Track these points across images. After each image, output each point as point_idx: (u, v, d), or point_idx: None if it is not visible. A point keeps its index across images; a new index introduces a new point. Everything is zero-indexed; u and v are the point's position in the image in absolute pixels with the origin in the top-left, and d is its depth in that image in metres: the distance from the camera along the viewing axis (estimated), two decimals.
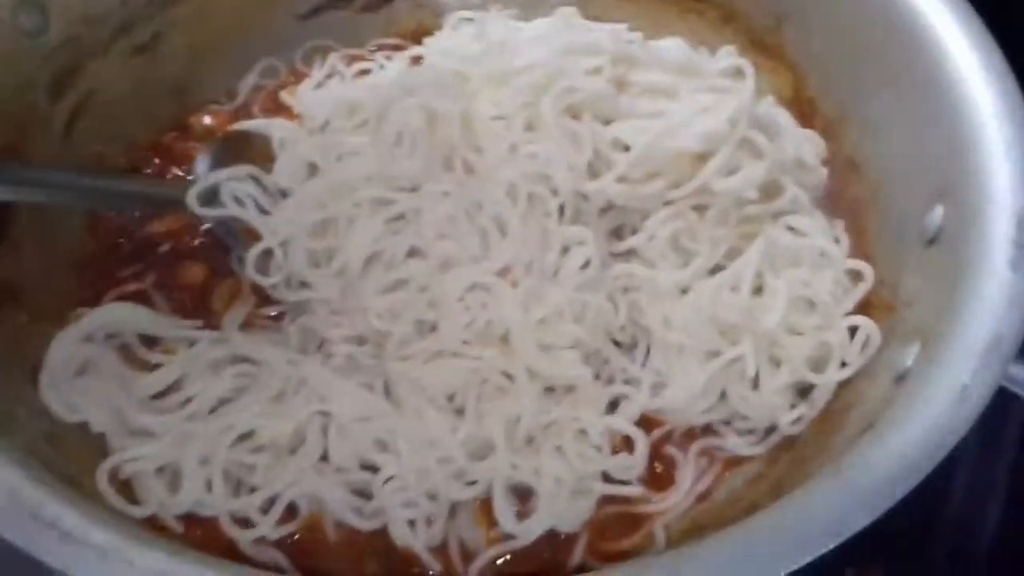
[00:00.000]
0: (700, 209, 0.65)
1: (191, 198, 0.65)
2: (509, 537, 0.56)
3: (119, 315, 0.62)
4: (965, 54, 0.61)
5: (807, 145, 0.71)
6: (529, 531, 0.56)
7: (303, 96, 0.77)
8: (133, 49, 0.74)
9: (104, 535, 0.40)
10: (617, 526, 0.58)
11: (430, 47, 0.77)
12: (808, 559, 0.40)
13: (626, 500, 0.58)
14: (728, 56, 0.74)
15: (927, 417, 0.46)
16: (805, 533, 0.41)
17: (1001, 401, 0.49)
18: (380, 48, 0.83)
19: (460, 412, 0.58)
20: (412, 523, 0.56)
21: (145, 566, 0.39)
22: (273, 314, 0.66)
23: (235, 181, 0.67)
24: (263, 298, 0.66)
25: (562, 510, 0.56)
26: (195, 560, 0.41)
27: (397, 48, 0.82)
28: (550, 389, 0.59)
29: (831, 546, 0.40)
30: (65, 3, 0.67)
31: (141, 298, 0.66)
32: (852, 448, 0.47)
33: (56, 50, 0.68)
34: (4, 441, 0.46)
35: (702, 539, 0.42)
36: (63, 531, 0.40)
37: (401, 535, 0.56)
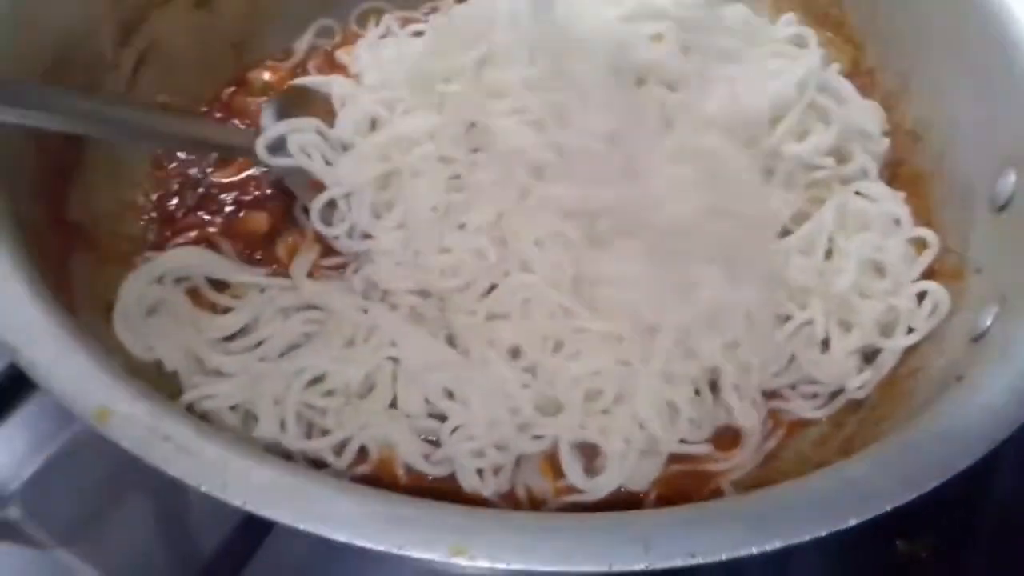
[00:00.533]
0: (767, 173, 0.65)
1: (260, 146, 0.65)
2: (576, 490, 0.56)
3: (189, 258, 0.62)
4: None
5: (869, 115, 0.71)
6: (598, 488, 0.56)
7: (360, 54, 0.77)
8: (195, 2, 0.74)
9: (216, 449, 0.40)
10: (686, 482, 0.58)
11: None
12: (912, 496, 0.40)
13: (694, 459, 0.58)
14: (789, 24, 0.75)
15: (1015, 369, 0.47)
16: (911, 471, 0.41)
17: None
18: (433, 11, 0.83)
19: (529, 369, 0.58)
20: (480, 472, 0.56)
21: (259, 479, 0.39)
22: (335, 264, 0.66)
23: (301, 132, 0.67)
24: (326, 248, 0.66)
25: (631, 469, 0.56)
26: (295, 473, 0.41)
27: None
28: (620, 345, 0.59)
29: (935, 484, 0.40)
30: None
31: (208, 244, 0.66)
32: (944, 396, 0.47)
33: None
34: (105, 364, 0.46)
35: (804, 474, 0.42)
36: (178, 443, 0.40)
37: (469, 483, 0.56)
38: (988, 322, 0.53)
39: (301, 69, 0.79)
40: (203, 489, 0.38)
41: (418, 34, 0.80)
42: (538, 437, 0.56)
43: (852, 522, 0.39)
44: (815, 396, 0.62)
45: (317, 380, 0.57)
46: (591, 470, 0.57)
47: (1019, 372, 0.46)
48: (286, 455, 0.55)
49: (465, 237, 0.62)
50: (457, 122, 0.65)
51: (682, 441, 0.58)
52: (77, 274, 0.57)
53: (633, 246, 0.58)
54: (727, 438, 0.60)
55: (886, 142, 0.71)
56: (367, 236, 0.64)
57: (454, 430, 0.57)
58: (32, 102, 0.53)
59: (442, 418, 0.58)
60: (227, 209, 0.68)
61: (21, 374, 0.45)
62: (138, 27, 0.70)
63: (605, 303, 0.58)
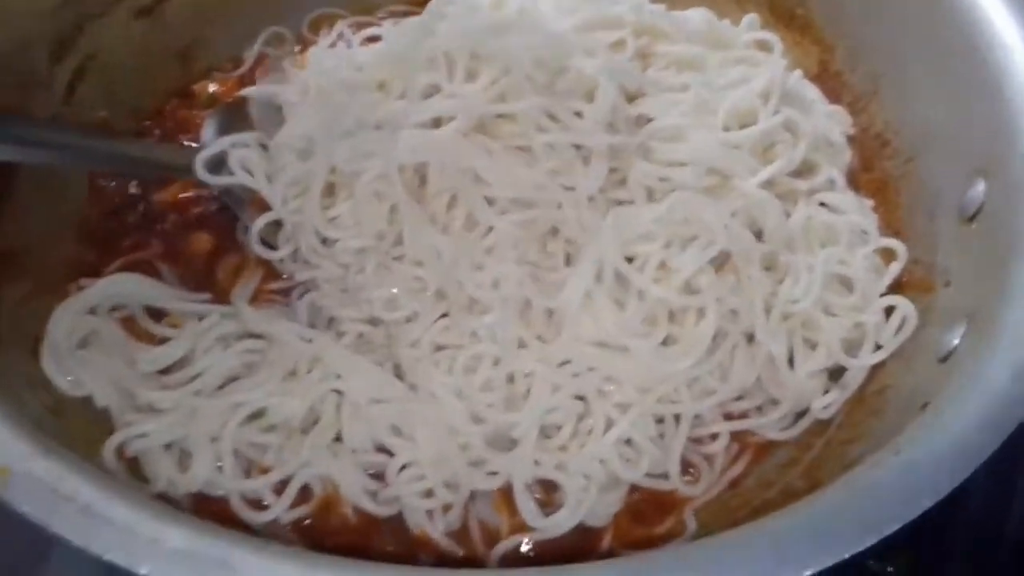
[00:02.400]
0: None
1: (198, 164, 0.62)
2: (533, 528, 0.54)
3: (124, 286, 0.59)
4: (1009, 21, 0.58)
5: (835, 122, 0.69)
6: (556, 525, 0.54)
7: (309, 62, 0.74)
8: (137, 11, 0.71)
9: (125, 510, 0.38)
10: (647, 512, 0.55)
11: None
12: (874, 541, 0.37)
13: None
14: (753, 27, 0.72)
15: (984, 396, 0.44)
16: (871, 514, 0.39)
17: None
18: (391, 15, 0.80)
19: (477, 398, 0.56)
20: (430, 512, 0.54)
21: (171, 544, 0.36)
22: (280, 288, 0.63)
23: (243, 147, 0.64)
24: (270, 271, 0.63)
25: (591, 505, 0.54)
26: (217, 536, 0.38)
27: (408, 15, 0.79)
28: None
29: (896, 528, 0.38)
30: None
31: (146, 268, 0.63)
32: (909, 427, 0.44)
33: (58, 8, 0.64)
34: (13, 413, 0.43)
35: (757, 519, 0.40)
36: (82, 504, 0.37)
37: (417, 522, 0.54)
38: (955, 341, 0.51)
39: (249, 79, 0.76)
40: (107, 558, 0.35)
41: (372, 39, 0.77)
42: (492, 474, 0.54)
43: (808, 573, 0.37)
44: (781, 417, 0.59)
45: (257, 415, 0.54)
46: (548, 503, 0.55)
47: (987, 399, 0.44)
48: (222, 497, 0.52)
49: (405, 268, 0.59)
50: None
51: (647, 475, 0.56)
52: (4, 305, 0.54)
53: (588, 270, 0.55)
54: (691, 463, 0.57)
55: (848, 152, 0.68)
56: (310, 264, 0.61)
57: (402, 468, 0.54)
58: None
59: (391, 453, 0.55)
60: (168, 230, 0.65)
61: None
62: (75, 41, 0.67)
63: (558, 334, 0.55)
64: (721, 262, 0.56)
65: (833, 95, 0.72)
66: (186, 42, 0.75)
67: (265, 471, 0.54)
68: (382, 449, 0.55)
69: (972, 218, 0.57)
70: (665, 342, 0.54)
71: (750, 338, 0.58)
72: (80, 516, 0.37)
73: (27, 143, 0.56)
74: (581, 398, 0.55)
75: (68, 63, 0.66)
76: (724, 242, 0.54)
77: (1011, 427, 0.42)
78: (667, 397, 0.55)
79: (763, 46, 0.71)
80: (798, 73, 0.70)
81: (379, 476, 0.55)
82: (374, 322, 0.59)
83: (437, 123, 0.59)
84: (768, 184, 0.60)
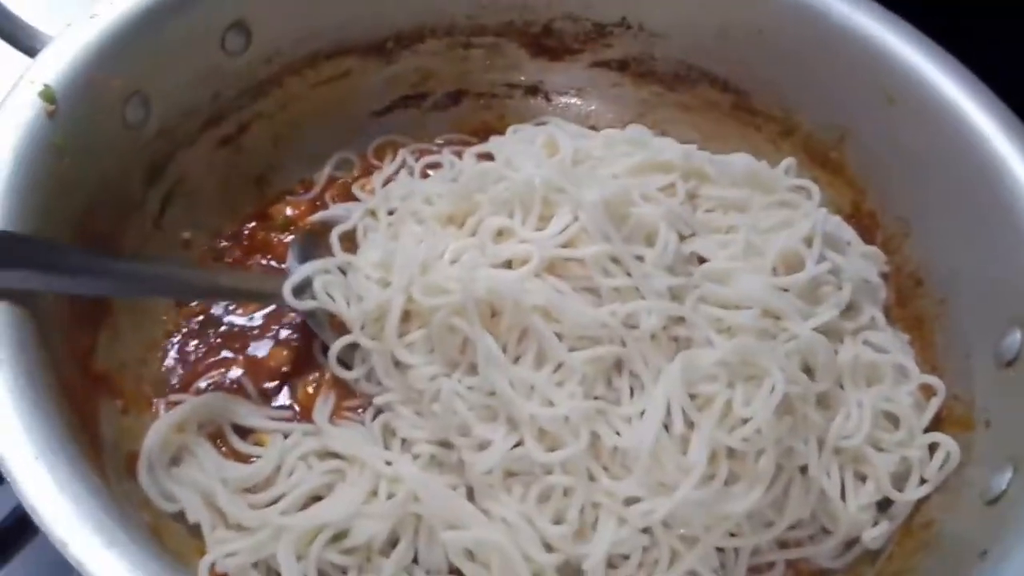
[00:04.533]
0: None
1: (286, 291, 0.66)
2: None
3: (214, 404, 0.62)
4: None
5: (872, 262, 0.73)
6: None
7: (382, 185, 0.79)
8: (220, 140, 0.76)
9: None
10: None
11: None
12: None
13: None
14: (790, 171, 0.77)
15: None
16: None
17: None
18: (448, 143, 0.85)
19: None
20: None
21: None
22: (354, 406, 0.66)
23: (325, 273, 0.68)
24: (344, 390, 0.67)
25: None
26: None
27: (464, 143, 0.85)
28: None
29: None
30: (165, 96, 0.70)
31: (231, 385, 0.66)
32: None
33: (153, 140, 0.70)
34: (121, 534, 0.46)
35: None
36: None
37: None
38: (1004, 485, 0.54)
39: (320, 202, 0.81)
40: None
41: (433, 165, 0.82)
42: None
43: None
44: (834, 546, 0.62)
45: (340, 536, 0.57)
46: None
47: None
48: None
49: (476, 397, 0.61)
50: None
51: None
52: (104, 428, 0.58)
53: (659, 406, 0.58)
54: None
55: (884, 291, 0.72)
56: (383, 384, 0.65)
57: None
58: (56, 265, 0.55)
59: None
60: (249, 347, 0.69)
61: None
62: (165, 167, 0.72)
63: (628, 471, 0.58)
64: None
65: (868, 234, 0.76)
66: (263, 168, 0.80)
67: None
68: (456, 571, 0.57)
69: (1010, 364, 0.61)
70: (727, 481, 0.57)
71: (804, 470, 0.61)
72: None
73: (119, 277, 0.60)
74: (647, 531, 0.57)
75: (159, 189, 0.71)
76: (782, 386, 0.57)
77: None
78: (729, 531, 0.58)
79: (802, 190, 0.76)
80: (837, 219, 0.74)
81: None
82: (446, 444, 0.62)
83: (508, 263, 0.64)
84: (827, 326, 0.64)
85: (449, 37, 0.85)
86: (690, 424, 0.57)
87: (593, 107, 0.89)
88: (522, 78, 0.88)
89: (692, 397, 0.58)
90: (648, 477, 0.56)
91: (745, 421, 0.57)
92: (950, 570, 0.50)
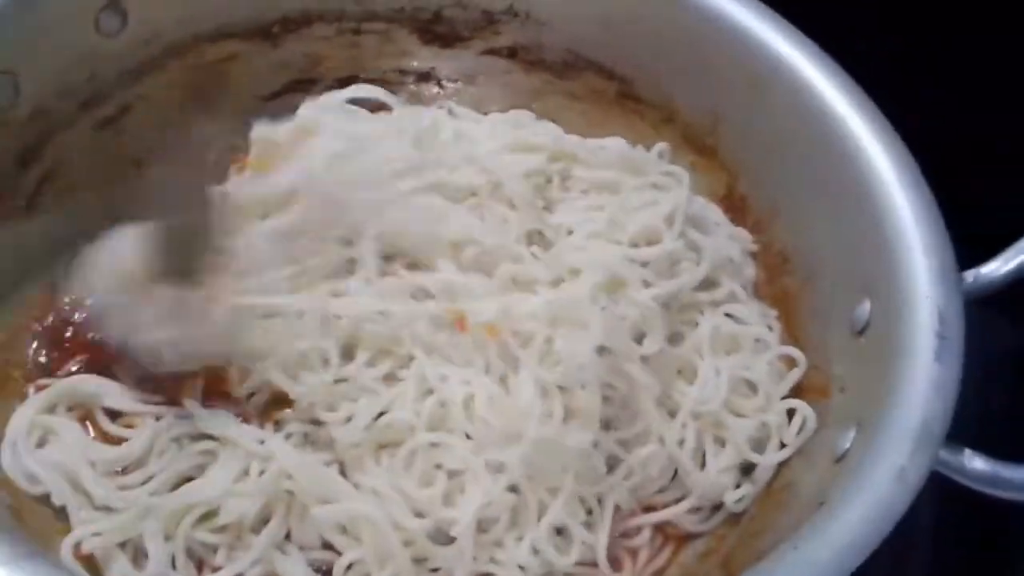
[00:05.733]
0: None
1: None
2: None
3: (85, 387, 0.62)
4: (885, 165, 0.67)
5: (737, 242, 0.76)
6: None
7: None
8: (100, 121, 0.75)
9: None
10: None
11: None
12: None
13: None
14: (663, 156, 0.79)
15: (870, 495, 0.51)
16: None
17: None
18: None
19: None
20: None
21: None
22: (224, 391, 0.65)
23: None
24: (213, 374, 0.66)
25: None
26: None
27: None
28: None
29: None
30: (37, 77, 0.69)
31: (102, 367, 0.65)
32: (806, 524, 0.50)
33: (26, 122, 0.69)
34: None
35: None
36: None
37: None
38: (847, 444, 0.58)
39: None
40: None
41: None
42: (434, 570, 0.57)
43: None
44: (698, 509, 0.65)
45: (210, 515, 0.57)
46: None
47: (872, 498, 0.51)
48: None
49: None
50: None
51: (577, 563, 0.60)
52: None
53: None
54: (615, 557, 0.62)
55: (751, 269, 0.76)
56: None
57: (348, 567, 0.57)
58: None
59: (337, 551, 0.58)
60: None
61: None
62: (40, 149, 0.71)
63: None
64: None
65: (740, 216, 0.79)
66: (144, 151, 0.78)
67: (216, 570, 0.56)
68: (329, 546, 0.58)
69: (861, 332, 0.64)
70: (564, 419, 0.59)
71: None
72: None
73: None
74: (514, 489, 0.59)
75: (33, 172, 0.70)
76: (600, 332, 0.60)
77: (892, 524, 0.49)
78: (587, 477, 0.60)
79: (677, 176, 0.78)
80: (703, 200, 0.77)
81: (327, 572, 0.58)
82: (317, 422, 0.62)
83: None
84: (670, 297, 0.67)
85: (338, 23, 0.85)
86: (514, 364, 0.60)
87: (485, 94, 0.90)
88: (415, 64, 0.89)
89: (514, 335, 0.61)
90: (493, 433, 0.58)
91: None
92: (794, 521, 0.53)
